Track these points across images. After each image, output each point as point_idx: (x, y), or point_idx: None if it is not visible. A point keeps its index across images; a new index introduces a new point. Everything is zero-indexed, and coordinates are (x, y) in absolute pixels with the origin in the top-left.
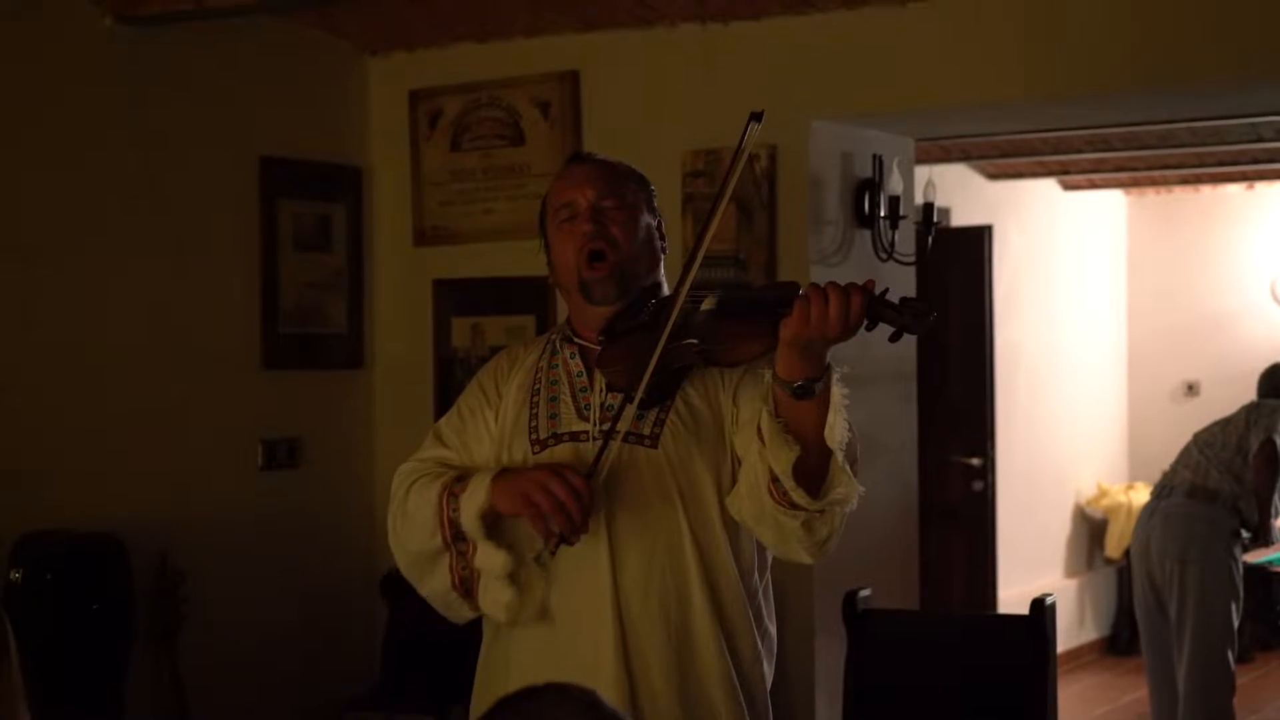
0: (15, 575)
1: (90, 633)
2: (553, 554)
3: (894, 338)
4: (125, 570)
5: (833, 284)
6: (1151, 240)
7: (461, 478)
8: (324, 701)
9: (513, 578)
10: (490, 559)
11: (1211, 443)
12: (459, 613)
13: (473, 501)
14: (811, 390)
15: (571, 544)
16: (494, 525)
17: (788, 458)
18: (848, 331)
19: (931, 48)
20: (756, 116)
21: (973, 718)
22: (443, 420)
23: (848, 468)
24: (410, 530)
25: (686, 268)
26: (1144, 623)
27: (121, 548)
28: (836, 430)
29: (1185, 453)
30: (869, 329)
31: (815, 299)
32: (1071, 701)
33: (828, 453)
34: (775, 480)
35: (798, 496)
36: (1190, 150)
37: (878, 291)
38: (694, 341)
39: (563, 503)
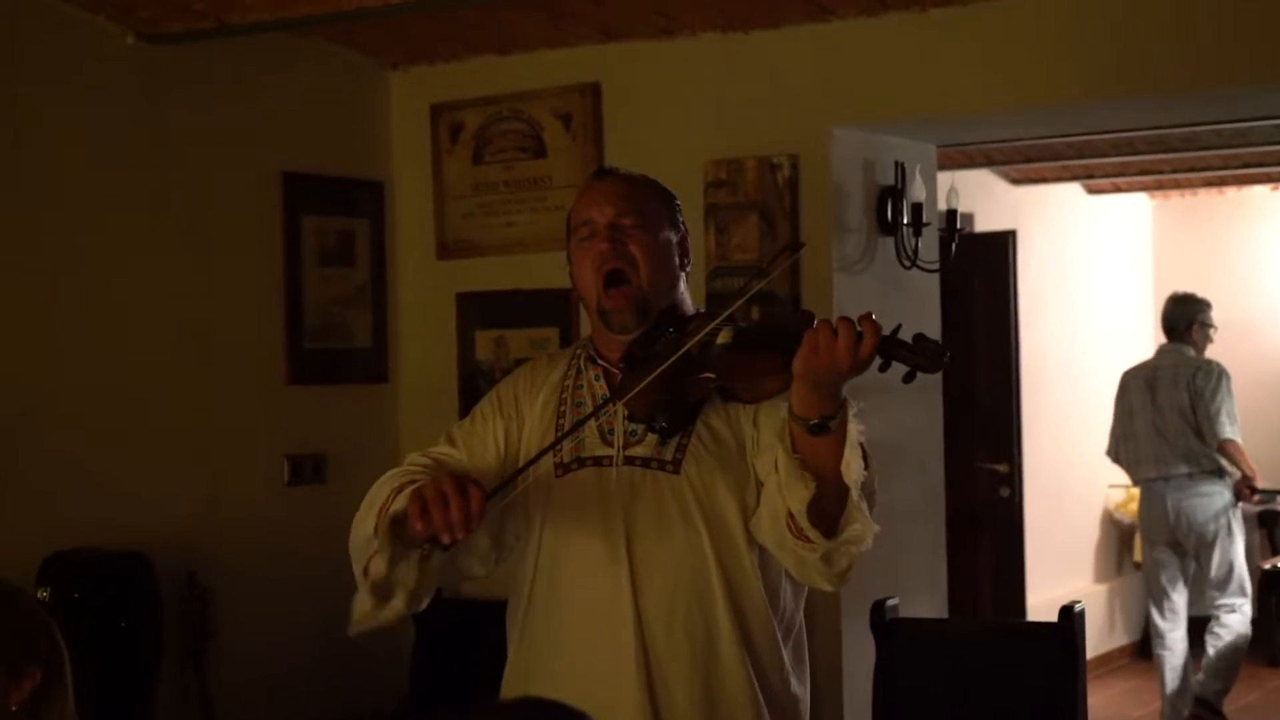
0: (43, 594)
1: (118, 650)
2: (423, 555)
3: (908, 378)
4: (153, 588)
5: (844, 318)
6: (1177, 243)
7: (403, 486)
8: (351, 717)
9: (376, 588)
10: (377, 563)
11: None
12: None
13: (401, 499)
14: (827, 427)
15: (442, 545)
16: (407, 538)
17: (803, 496)
18: (858, 367)
19: (953, 54)
20: (794, 248)
21: None
22: (458, 423)
23: (864, 506)
24: (360, 515)
25: (708, 312)
26: None
27: (149, 565)
28: (853, 468)
29: None
30: (882, 369)
31: (824, 331)
32: (1102, 707)
33: (845, 488)
34: (792, 515)
35: (812, 535)
36: (1215, 152)
37: (890, 330)
38: (711, 376)
39: (447, 499)
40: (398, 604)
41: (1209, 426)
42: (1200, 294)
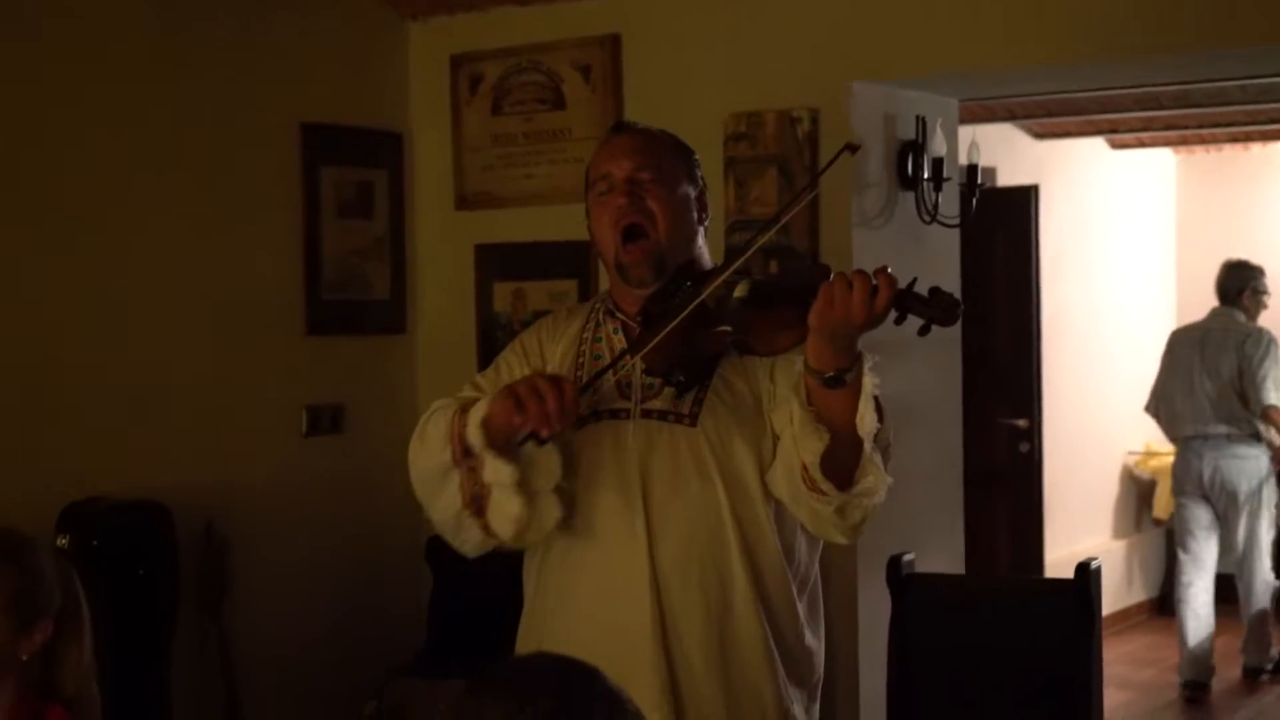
0: (62, 541)
1: (136, 599)
2: (520, 443)
3: (923, 331)
4: (171, 537)
5: (859, 271)
6: (1201, 198)
7: (469, 406)
8: (368, 668)
9: (521, 488)
10: (497, 470)
11: None
12: (470, 535)
13: (477, 412)
14: (842, 380)
15: (540, 439)
16: (502, 443)
17: (816, 448)
18: (873, 320)
19: (976, 8)
20: (853, 148)
21: (1018, 681)
22: (481, 373)
23: (877, 458)
24: (424, 450)
25: (726, 263)
26: None
27: (167, 515)
28: (866, 420)
29: None
30: (898, 322)
31: (840, 284)
32: (1120, 662)
33: (860, 441)
34: (805, 468)
35: (825, 487)
36: (1240, 108)
37: (905, 283)
38: (727, 329)
39: (542, 395)
40: (547, 504)
41: (1254, 392)
42: (1224, 249)
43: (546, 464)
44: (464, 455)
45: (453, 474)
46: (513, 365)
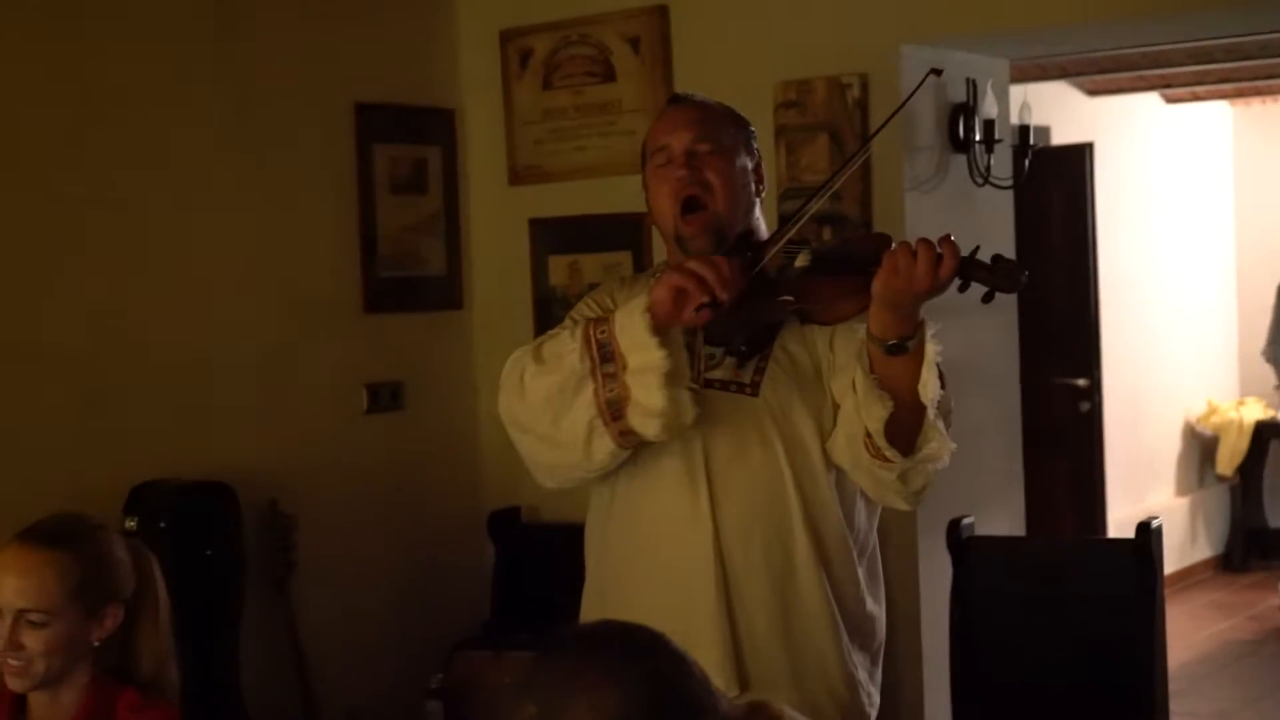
0: (130, 524)
1: (204, 579)
2: (701, 322)
3: (987, 298)
4: (236, 517)
5: (923, 240)
6: (1259, 150)
7: (602, 317)
8: (434, 640)
9: (670, 379)
10: (651, 360)
11: None
12: (601, 445)
13: (632, 310)
14: (905, 348)
15: (719, 304)
16: (663, 329)
17: (880, 415)
18: (937, 288)
19: None
20: (936, 72)
21: (1081, 642)
22: (548, 332)
23: (940, 424)
24: (545, 370)
25: (780, 230)
26: None
27: (232, 495)
28: (929, 387)
29: None
30: (961, 289)
31: (903, 254)
32: (1184, 620)
33: (922, 408)
34: (869, 435)
35: (890, 454)
36: None
37: (968, 251)
38: (789, 299)
39: (716, 263)
40: (686, 399)
41: None
42: None
43: (682, 360)
44: (602, 361)
45: (586, 383)
46: (588, 317)
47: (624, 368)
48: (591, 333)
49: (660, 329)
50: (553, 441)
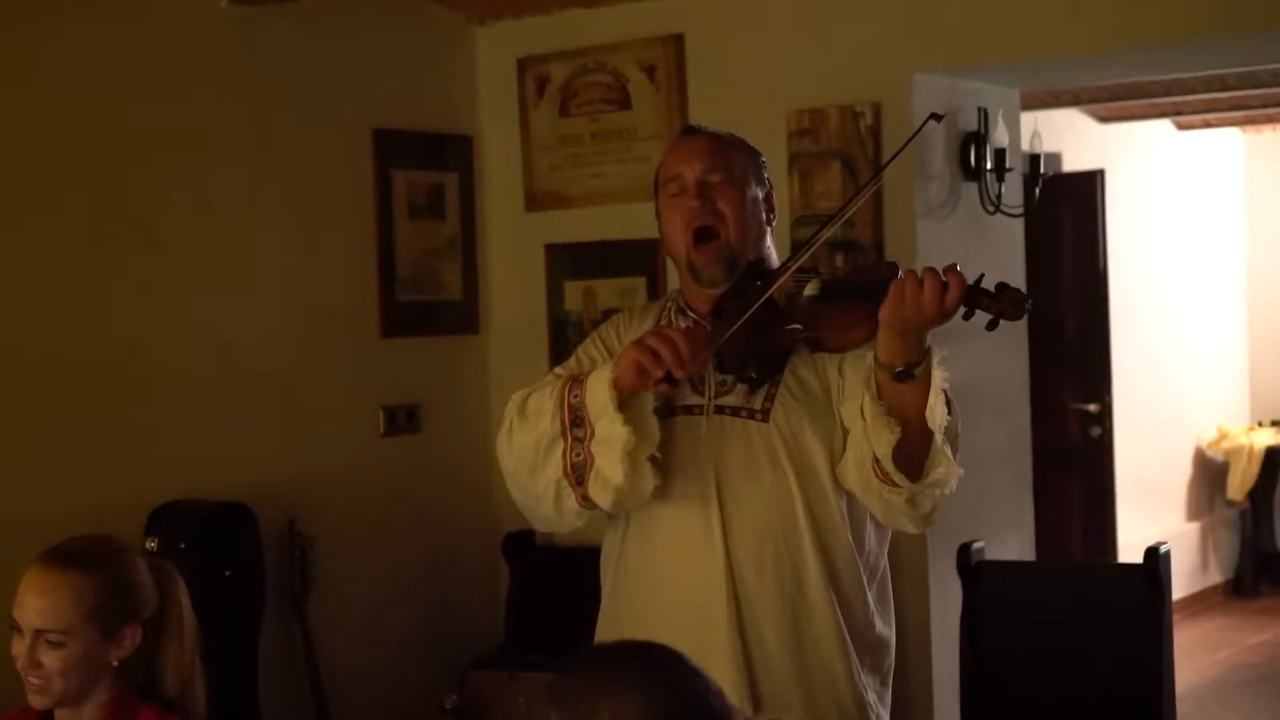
0: (151, 545)
1: (223, 599)
2: (658, 388)
3: (991, 325)
4: (255, 537)
5: (929, 269)
6: (1270, 177)
7: (580, 377)
8: (449, 661)
9: (630, 458)
10: (614, 434)
11: None
12: (568, 505)
13: (600, 377)
14: (912, 374)
15: (674, 380)
16: (628, 400)
17: (889, 440)
18: (943, 316)
19: None
20: (937, 117)
21: (1090, 666)
22: (561, 364)
23: (947, 449)
24: (526, 426)
25: (792, 257)
26: None
27: (251, 515)
28: (937, 413)
29: None
30: (966, 317)
31: (910, 282)
32: (1194, 645)
33: (930, 433)
34: (878, 460)
35: (898, 478)
36: None
37: (974, 279)
38: (798, 327)
39: (672, 339)
40: (646, 473)
41: None
42: None
43: (649, 428)
44: (572, 424)
45: (558, 443)
46: (593, 356)
47: (591, 435)
48: (565, 395)
49: (624, 399)
50: (530, 495)
